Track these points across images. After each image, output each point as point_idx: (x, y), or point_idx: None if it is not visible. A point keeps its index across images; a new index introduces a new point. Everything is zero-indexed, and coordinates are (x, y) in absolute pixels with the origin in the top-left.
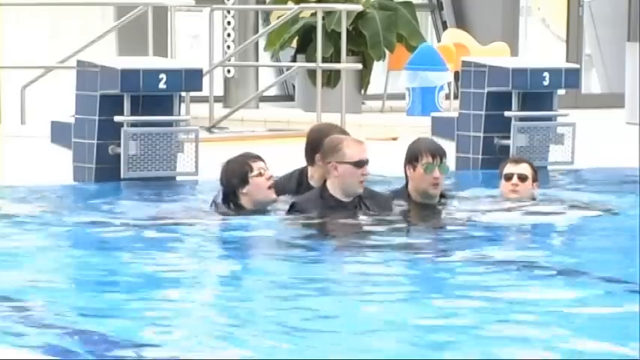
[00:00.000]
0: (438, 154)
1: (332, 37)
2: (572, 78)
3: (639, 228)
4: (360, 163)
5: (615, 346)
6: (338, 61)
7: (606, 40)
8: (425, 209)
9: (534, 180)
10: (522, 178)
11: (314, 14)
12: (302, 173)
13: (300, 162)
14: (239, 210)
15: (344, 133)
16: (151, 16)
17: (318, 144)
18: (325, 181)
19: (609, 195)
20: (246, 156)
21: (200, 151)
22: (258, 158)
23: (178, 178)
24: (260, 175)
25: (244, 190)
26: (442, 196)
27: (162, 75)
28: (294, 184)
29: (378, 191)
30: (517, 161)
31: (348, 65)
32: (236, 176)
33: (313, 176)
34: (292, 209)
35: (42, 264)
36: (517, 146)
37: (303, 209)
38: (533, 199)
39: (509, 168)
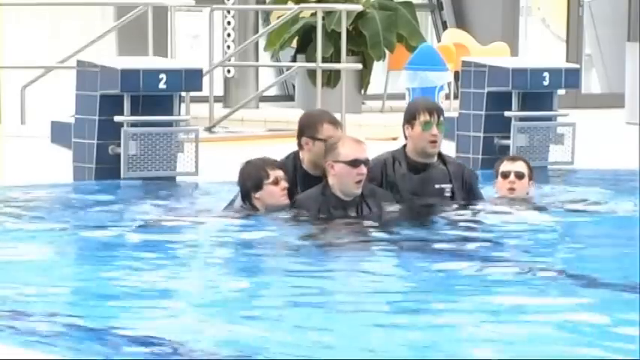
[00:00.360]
0: (436, 111)
1: (332, 37)
2: (572, 78)
3: (639, 228)
4: (356, 163)
5: (615, 347)
6: (338, 61)
7: (606, 40)
8: (424, 173)
9: (530, 178)
10: (519, 176)
11: (314, 14)
12: (296, 157)
13: None
14: (254, 209)
15: (334, 121)
16: (151, 16)
17: (303, 129)
18: (327, 179)
19: (609, 195)
20: (266, 161)
21: (200, 151)
22: (277, 166)
23: (178, 178)
24: (275, 183)
25: (257, 195)
26: (440, 155)
27: (162, 75)
28: (292, 167)
29: (379, 188)
30: (514, 159)
31: (348, 65)
32: (251, 180)
33: (303, 160)
34: (293, 206)
35: (42, 264)
36: (517, 146)
37: (304, 206)
38: (528, 197)
39: (505, 166)
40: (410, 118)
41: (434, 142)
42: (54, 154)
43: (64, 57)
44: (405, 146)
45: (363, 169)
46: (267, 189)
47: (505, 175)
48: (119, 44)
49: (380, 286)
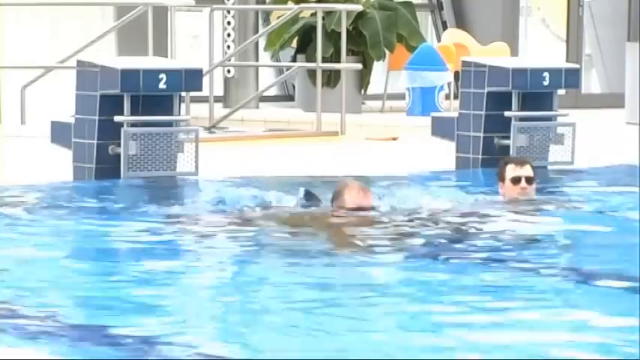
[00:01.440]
0: None
1: (332, 37)
2: (572, 78)
3: (639, 228)
4: (360, 211)
5: (615, 347)
6: (338, 61)
7: (606, 40)
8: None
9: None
10: (529, 180)
11: (314, 14)
12: None
13: (299, 162)
14: None
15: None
16: (151, 16)
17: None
18: None
19: (608, 195)
20: None
21: (200, 151)
22: None
23: (178, 178)
24: None
25: None
26: None
27: (162, 75)
28: None
29: None
30: (521, 163)
31: (348, 65)
32: None
33: None
34: None
35: (42, 264)
36: (517, 146)
37: None
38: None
39: (515, 171)
40: None
41: None
42: (54, 154)
43: (64, 57)
44: None
45: None
46: None
47: (516, 181)
48: (119, 44)
49: (382, 290)
